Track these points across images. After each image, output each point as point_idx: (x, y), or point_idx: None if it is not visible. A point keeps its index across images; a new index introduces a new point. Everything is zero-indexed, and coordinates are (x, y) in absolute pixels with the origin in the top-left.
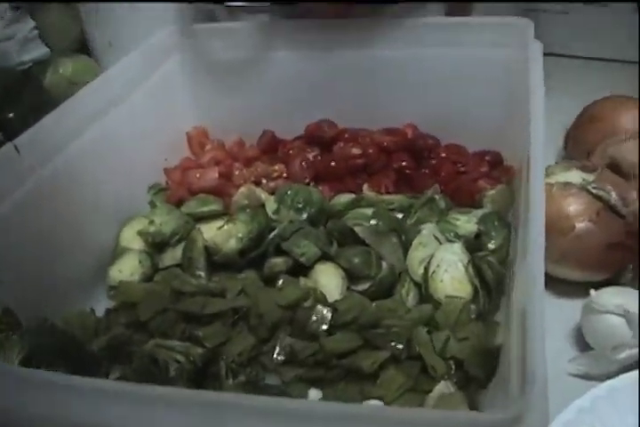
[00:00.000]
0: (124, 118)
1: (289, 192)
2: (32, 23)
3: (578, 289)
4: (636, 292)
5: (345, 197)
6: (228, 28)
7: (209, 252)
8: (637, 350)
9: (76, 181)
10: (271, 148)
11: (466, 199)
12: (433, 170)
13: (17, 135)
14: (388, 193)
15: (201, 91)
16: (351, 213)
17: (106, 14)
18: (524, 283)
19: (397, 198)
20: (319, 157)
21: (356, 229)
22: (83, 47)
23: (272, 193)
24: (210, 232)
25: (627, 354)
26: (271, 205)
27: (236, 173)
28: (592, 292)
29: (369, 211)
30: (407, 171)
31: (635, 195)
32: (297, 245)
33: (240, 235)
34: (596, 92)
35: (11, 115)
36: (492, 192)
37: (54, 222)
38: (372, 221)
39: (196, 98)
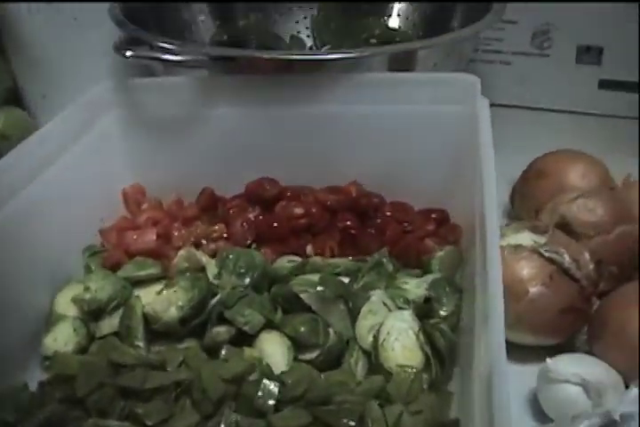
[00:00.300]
0: (58, 177)
1: (230, 256)
2: None
3: (531, 354)
4: (592, 359)
5: (289, 260)
6: (166, 83)
7: (148, 320)
8: (596, 420)
9: (9, 242)
10: (211, 206)
11: (413, 259)
12: (378, 229)
13: None
14: (332, 255)
15: (138, 148)
16: (296, 279)
17: (38, 66)
18: (486, 350)
19: (343, 262)
20: (260, 217)
21: (303, 295)
22: (15, 99)
23: (213, 255)
24: (148, 297)
25: (586, 425)
26: (212, 269)
27: (175, 233)
28: (548, 360)
29: (315, 277)
30: (352, 231)
31: (587, 257)
32: (240, 313)
33: (180, 303)
34: (542, 145)
35: None
36: (441, 254)
37: None
38: (319, 288)
39: (132, 155)
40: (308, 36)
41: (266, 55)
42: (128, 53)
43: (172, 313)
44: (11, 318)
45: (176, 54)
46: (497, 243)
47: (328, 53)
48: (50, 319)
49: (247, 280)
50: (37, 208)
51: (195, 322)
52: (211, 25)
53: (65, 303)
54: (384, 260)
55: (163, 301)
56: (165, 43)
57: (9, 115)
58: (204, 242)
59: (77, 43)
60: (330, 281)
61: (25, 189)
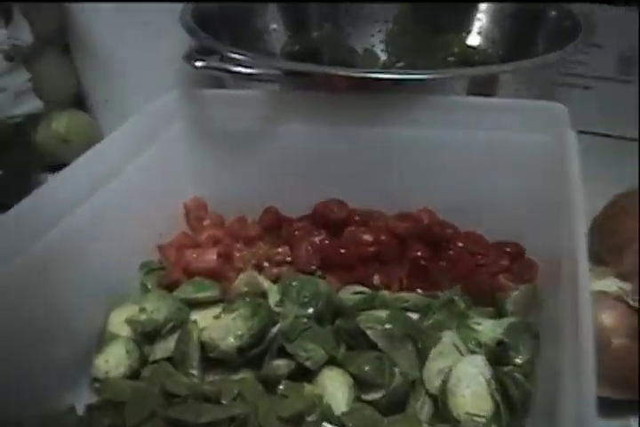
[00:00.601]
0: (120, 190)
1: (294, 284)
2: (26, 75)
3: (614, 408)
4: None
5: (355, 292)
6: (236, 96)
7: (204, 347)
8: None
9: (66, 256)
10: (274, 226)
11: (486, 296)
12: (450, 262)
13: (3, 194)
14: (401, 286)
15: (202, 161)
16: (363, 315)
17: (104, 70)
18: (574, 404)
19: (412, 297)
20: (327, 242)
21: (369, 332)
22: (79, 102)
23: (275, 280)
24: (206, 320)
25: None
26: (274, 295)
27: (237, 254)
28: (632, 422)
29: (383, 313)
30: (422, 262)
31: None
32: (302, 348)
33: (239, 332)
34: (625, 177)
35: None
36: (516, 293)
37: (37, 303)
38: (387, 325)
39: (196, 168)
40: (383, 51)
41: (341, 72)
42: (198, 64)
43: (230, 342)
44: (63, 334)
45: (248, 67)
46: (589, 289)
47: (406, 73)
48: (103, 338)
49: (310, 310)
50: (97, 221)
51: (253, 352)
52: (283, 34)
53: (119, 323)
54: (456, 297)
55: (221, 328)
56: (237, 54)
57: (72, 118)
58: (265, 264)
59: (145, 48)
60: (399, 319)
61: (86, 201)
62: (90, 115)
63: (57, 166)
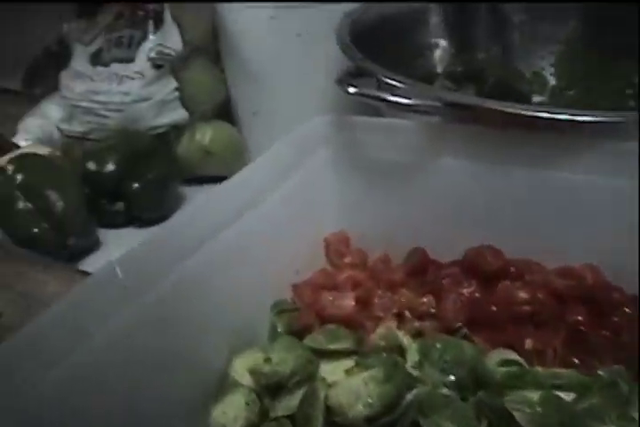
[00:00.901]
0: (261, 219)
1: (437, 346)
2: (174, 84)
3: None
4: None
5: (504, 358)
6: (390, 125)
7: (330, 409)
8: None
9: (196, 289)
10: (420, 270)
11: None
12: (614, 331)
13: (139, 207)
14: (555, 353)
15: (348, 192)
16: (512, 395)
17: (254, 82)
18: None
19: (568, 374)
20: (477, 295)
21: (516, 414)
22: (225, 113)
23: (415, 335)
24: (335, 373)
25: None
26: (413, 355)
27: (377, 301)
28: None
29: (534, 394)
30: (582, 328)
31: None
32: (439, 425)
33: (370, 400)
34: None
35: (136, 185)
36: None
37: (157, 336)
38: (538, 409)
39: (341, 199)
40: (552, 75)
41: (509, 109)
42: (351, 90)
43: (359, 410)
44: (182, 373)
45: (404, 97)
46: None
47: (584, 115)
48: (224, 384)
49: (452, 378)
50: (234, 252)
51: (383, 421)
52: (446, 53)
53: (242, 369)
54: (619, 380)
55: (351, 392)
56: (394, 80)
57: (217, 130)
58: (407, 314)
59: (298, 61)
60: (551, 403)
61: (224, 231)
62: (235, 127)
63: (198, 179)
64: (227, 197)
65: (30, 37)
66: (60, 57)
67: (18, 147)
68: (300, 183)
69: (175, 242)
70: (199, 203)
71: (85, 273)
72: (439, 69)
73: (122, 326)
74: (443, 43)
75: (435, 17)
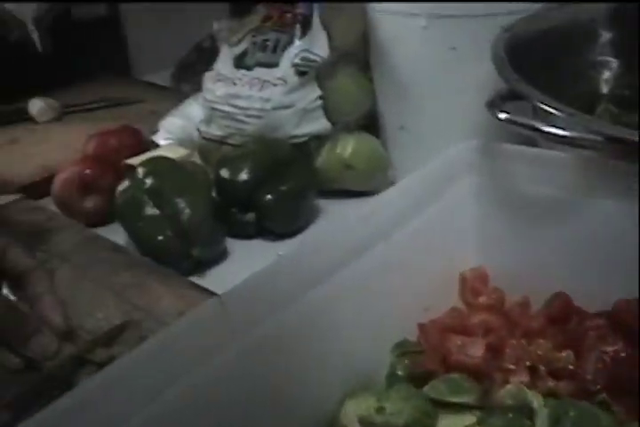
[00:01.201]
0: (396, 248)
1: (571, 413)
2: (317, 92)
3: None
4: None
5: None
6: (543, 157)
7: None
8: None
9: (316, 321)
10: (562, 318)
11: None
12: None
13: (271, 219)
14: None
15: (490, 224)
16: None
17: (403, 94)
18: None
19: None
20: (623, 355)
21: None
22: (369, 125)
23: (547, 394)
24: None
25: None
26: (543, 420)
27: (509, 351)
28: None
29: None
30: None
31: None
32: None
33: None
34: None
35: (269, 196)
36: None
37: (266, 381)
38: None
39: (482, 232)
40: None
41: None
42: (502, 116)
43: None
44: (290, 415)
45: (561, 128)
46: None
47: None
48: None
49: None
50: (356, 285)
51: None
52: (613, 73)
53: (353, 413)
54: None
55: None
56: (552, 107)
57: (360, 143)
58: (541, 368)
59: (450, 76)
60: None
61: (351, 261)
62: (379, 141)
63: (335, 192)
64: (359, 225)
65: (186, 34)
66: (210, 54)
67: (156, 146)
68: (439, 212)
69: (297, 271)
70: (325, 230)
71: (203, 289)
72: (604, 90)
73: (227, 361)
74: (611, 61)
75: (605, 32)
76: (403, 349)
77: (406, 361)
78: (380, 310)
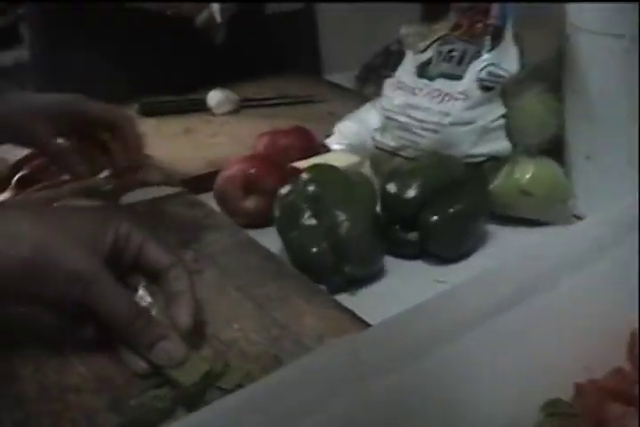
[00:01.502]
0: (552, 301)
1: None
2: (501, 110)
3: None
4: None
5: None
6: None
7: None
8: None
9: (443, 381)
10: None
11: None
12: None
13: (435, 241)
14: None
15: None
16: None
17: (592, 119)
18: None
19: None
20: None
21: None
22: (553, 149)
23: None
24: None
25: None
26: None
27: None
28: None
29: None
30: None
31: None
32: None
33: None
34: None
35: (435, 216)
36: None
37: None
38: None
39: None
40: None
41: None
42: None
43: None
44: None
45: None
46: None
47: None
48: None
49: None
50: (514, 330)
51: None
52: None
53: None
54: None
55: None
56: None
57: (540, 169)
58: None
59: None
60: None
61: (520, 301)
62: (563, 169)
63: (509, 218)
64: (528, 263)
65: (378, 34)
66: (397, 59)
67: (327, 150)
68: (619, 260)
69: (449, 313)
70: (487, 271)
71: (347, 311)
72: None
73: (350, 404)
74: None
75: None
76: (554, 408)
77: (556, 422)
78: (534, 362)
